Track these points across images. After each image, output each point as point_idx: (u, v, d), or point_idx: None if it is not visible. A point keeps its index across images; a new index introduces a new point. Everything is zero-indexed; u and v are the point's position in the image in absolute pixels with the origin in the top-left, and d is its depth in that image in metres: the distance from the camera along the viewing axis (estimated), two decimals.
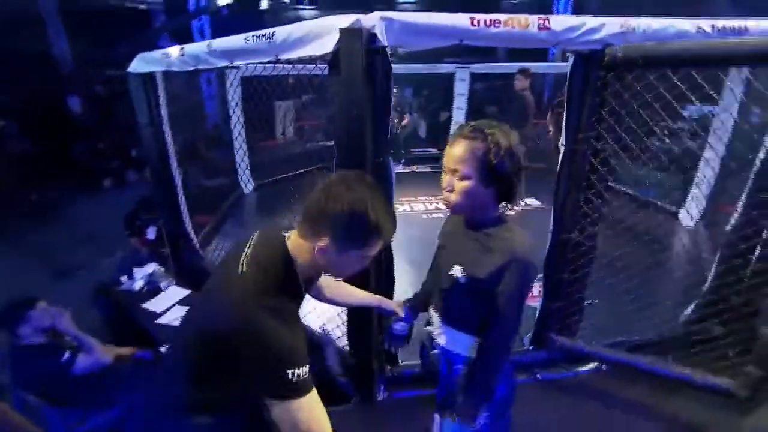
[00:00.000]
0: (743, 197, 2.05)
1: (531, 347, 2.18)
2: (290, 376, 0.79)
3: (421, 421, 1.89)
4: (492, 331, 1.06)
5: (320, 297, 1.27)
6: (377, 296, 1.40)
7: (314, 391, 0.84)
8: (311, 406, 0.83)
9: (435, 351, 1.22)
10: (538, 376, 2.12)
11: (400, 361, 2.07)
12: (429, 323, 1.26)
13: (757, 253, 1.93)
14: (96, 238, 4.65)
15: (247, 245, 0.92)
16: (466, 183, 1.01)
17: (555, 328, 2.13)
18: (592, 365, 2.17)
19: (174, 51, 2.35)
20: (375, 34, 1.40)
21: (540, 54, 7.06)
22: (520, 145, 1.02)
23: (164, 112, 2.81)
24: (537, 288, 2.10)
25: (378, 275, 1.79)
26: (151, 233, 3.43)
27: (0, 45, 5.92)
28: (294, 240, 0.92)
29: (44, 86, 6.58)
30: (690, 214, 3.60)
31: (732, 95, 2.79)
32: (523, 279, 1.01)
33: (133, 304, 2.57)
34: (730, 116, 2.88)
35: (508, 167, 0.98)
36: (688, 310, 2.27)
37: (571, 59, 1.69)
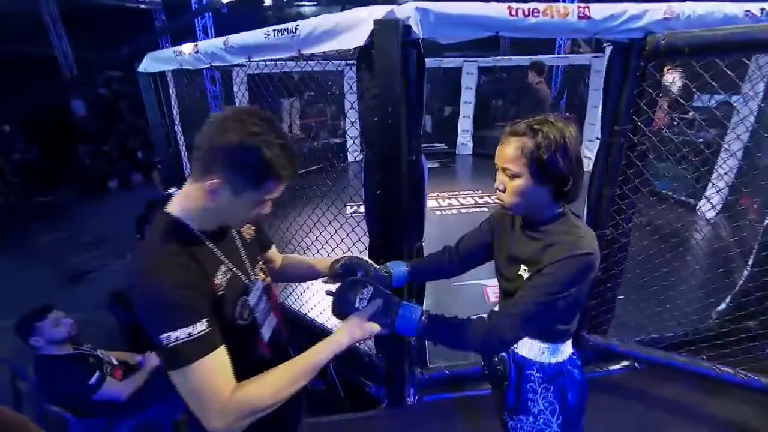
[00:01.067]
0: None
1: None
2: (165, 341, 0.72)
3: (454, 425, 1.85)
4: (503, 311, 0.97)
5: (285, 277, 1.24)
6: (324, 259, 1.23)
7: (206, 357, 0.74)
8: (199, 374, 0.74)
9: (503, 355, 1.16)
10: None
11: (429, 363, 2.02)
12: None
13: None
14: (105, 241, 4.62)
15: None
16: (517, 182, 0.95)
17: (587, 326, 2.06)
18: (625, 363, 2.11)
19: (187, 48, 2.29)
20: (410, 26, 1.33)
21: (547, 46, 6.95)
22: (577, 140, 0.95)
23: (176, 111, 2.75)
24: None
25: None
26: None
27: (1, 49, 5.84)
28: (185, 190, 0.85)
29: (47, 90, 6.51)
30: (711, 205, 3.53)
31: (757, 82, 2.73)
32: (573, 273, 0.90)
33: None
34: (754, 103, 2.81)
35: (561, 164, 0.91)
36: (722, 306, 2.21)
37: (609, 49, 1.61)
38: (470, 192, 4.82)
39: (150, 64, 2.64)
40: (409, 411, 1.92)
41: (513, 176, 0.95)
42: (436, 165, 5.89)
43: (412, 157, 1.52)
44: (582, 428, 1.17)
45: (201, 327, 0.75)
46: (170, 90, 2.71)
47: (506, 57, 6.46)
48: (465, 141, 6.47)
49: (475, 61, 6.00)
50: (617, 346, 2.04)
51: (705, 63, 1.61)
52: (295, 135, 6.16)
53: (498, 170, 1.00)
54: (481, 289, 2.69)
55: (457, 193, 4.77)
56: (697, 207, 3.72)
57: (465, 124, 6.42)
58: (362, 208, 1.70)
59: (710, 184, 3.47)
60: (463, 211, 4.33)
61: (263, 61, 2.20)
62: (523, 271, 1.01)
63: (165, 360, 0.74)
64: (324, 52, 1.58)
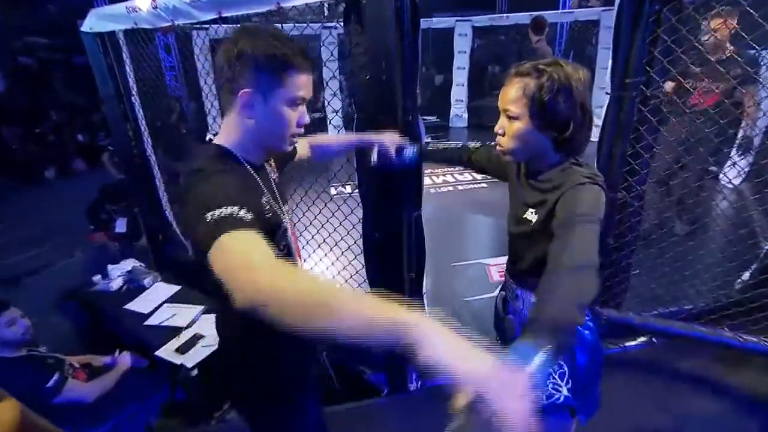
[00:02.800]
0: None
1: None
2: (209, 218, 0.76)
3: None
4: (559, 248, 0.92)
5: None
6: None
7: (244, 231, 0.75)
8: (237, 241, 0.74)
9: (510, 316, 1.25)
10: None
11: None
12: (503, 288, 1.31)
13: None
14: (46, 238, 4.55)
15: None
16: (516, 125, 1.03)
17: (599, 299, 2.20)
18: (642, 339, 2.26)
19: (144, 3, 2.28)
20: None
21: (548, 2, 7.04)
22: (587, 86, 1.01)
23: (132, 80, 2.74)
24: None
25: (409, 251, 1.82)
26: (120, 225, 3.39)
27: None
28: (223, 124, 0.99)
29: None
30: (737, 172, 3.70)
31: None
32: (583, 192, 0.96)
33: (113, 305, 2.55)
34: None
35: (562, 108, 0.98)
36: (746, 275, 2.37)
37: None
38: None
39: (96, 22, 2.58)
40: (412, 398, 2.03)
41: (513, 118, 1.03)
42: (428, 140, 5.96)
43: (408, 117, 1.60)
44: (597, 400, 1.25)
45: (247, 215, 0.78)
46: (123, 55, 2.69)
47: (503, 15, 6.53)
48: (459, 112, 6.57)
49: (469, 20, 6.06)
50: (633, 319, 2.18)
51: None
52: None
53: (500, 114, 1.08)
54: (484, 269, 2.81)
55: (452, 168, 4.88)
56: (721, 174, 3.90)
57: (459, 93, 6.51)
58: (348, 189, 1.77)
59: (734, 149, 3.63)
60: (460, 188, 4.47)
61: (235, 17, 2.22)
62: (530, 214, 1.09)
63: (204, 236, 0.75)
64: (307, 4, 1.62)
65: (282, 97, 0.93)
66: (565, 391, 1.15)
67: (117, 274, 2.72)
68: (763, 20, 1.61)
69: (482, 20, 6.19)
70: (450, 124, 6.64)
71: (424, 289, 1.96)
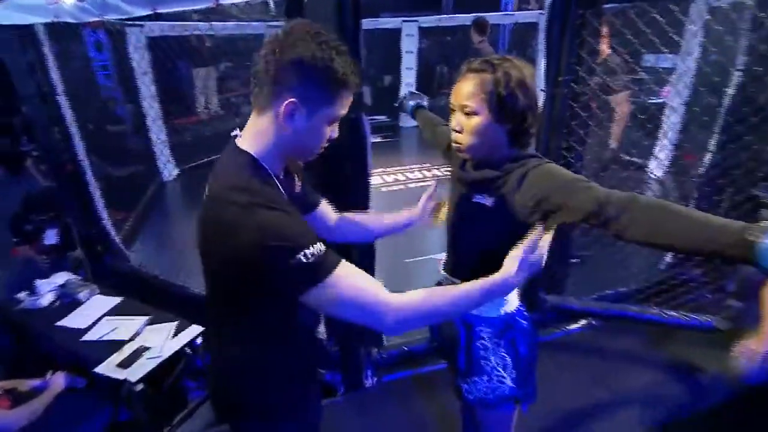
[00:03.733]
0: (711, 144, 2.36)
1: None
2: (303, 259, 0.78)
3: (413, 404, 2.02)
4: (588, 205, 0.90)
5: (336, 233, 1.27)
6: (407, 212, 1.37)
7: (342, 262, 0.84)
8: (346, 276, 0.83)
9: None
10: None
11: (385, 340, 2.16)
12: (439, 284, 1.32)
13: (726, 193, 2.27)
14: None
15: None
16: (475, 120, 1.04)
17: (544, 287, 2.33)
18: (583, 322, 2.42)
19: None
20: None
21: (492, 4, 7.31)
22: (534, 82, 1.06)
23: (56, 77, 2.57)
24: None
25: (356, 252, 1.85)
26: (50, 237, 3.15)
27: None
28: (252, 125, 0.92)
29: None
30: (659, 164, 4.05)
31: (693, 39, 3.19)
32: (555, 168, 1.02)
33: (42, 323, 2.37)
34: (692, 61, 3.28)
35: (521, 101, 1.01)
36: (668, 257, 2.60)
37: None
38: (417, 166, 5.03)
39: (9, 14, 2.35)
40: (368, 394, 2.06)
41: (471, 114, 1.04)
42: (378, 139, 6.04)
43: (351, 114, 1.61)
44: (536, 387, 1.27)
45: (323, 244, 0.82)
46: (45, 50, 2.51)
47: (448, 16, 6.69)
48: None
49: (416, 21, 6.15)
50: (574, 304, 2.34)
51: (647, 21, 1.88)
52: (213, 112, 5.94)
53: (454, 111, 1.09)
54: (436, 263, 2.88)
55: (402, 167, 4.97)
56: (647, 167, 4.24)
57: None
58: None
59: (657, 144, 3.98)
60: (411, 185, 4.56)
61: (167, 14, 2.15)
62: (484, 198, 1.09)
63: (307, 278, 0.80)
64: (247, 1, 1.60)
65: (327, 115, 0.88)
66: (509, 382, 1.18)
67: (47, 289, 2.53)
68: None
69: (429, 21, 6.30)
70: (400, 124, 6.72)
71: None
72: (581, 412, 1.99)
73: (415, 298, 0.87)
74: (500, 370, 1.18)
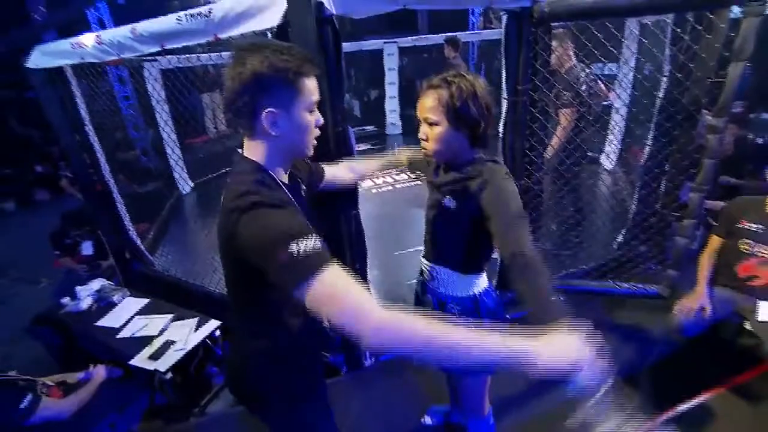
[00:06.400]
0: (648, 139, 2.39)
1: (497, 291, 2.39)
2: (294, 254, 0.73)
3: (407, 380, 2.03)
4: (511, 246, 0.95)
5: (335, 183, 1.34)
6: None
7: (334, 264, 0.76)
8: (335, 277, 0.75)
9: (428, 296, 1.30)
10: (507, 316, 2.34)
11: None
12: (420, 274, 1.35)
13: (663, 183, 2.31)
14: (10, 268, 4.14)
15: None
16: (437, 129, 1.08)
17: None
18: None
19: (88, 39, 2.13)
20: (322, 2, 1.40)
21: (461, 24, 7.32)
22: (487, 91, 1.08)
23: (84, 111, 2.55)
24: None
25: (350, 246, 1.85)
26: (86, 248, 3.15)
27: None
28: (245, 149, 0.92)
29: None
30: (609, 158, 4.08)
31: (629, 51, 3.25)
32: (507, 191, 1.03)
33: (83, 324, 2.37)
34: (629, 70, 3.32)
35: (473, 110, 1.05)
36: (620, 237, 2.63)
37: (504, 17, 1.83)
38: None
39: (41, 58, 2.39)
40: (367, 372, 2.07)
41: (433, 124, 1.09)
42: (368, 147, 6.03)
43: (338, 128, 1.62)
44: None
45: (318, 242, 0.77)
46: (73, 88, 2.50)
47: (423, 36, 6.70)
48: (393, 120, 6.69)
49: (395, 42, 6.16)
50: None
51: (590, 36, 1.91)
52: (221, 131, 5.92)
53: (420, 122, 1.13)
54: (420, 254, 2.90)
55: (390, 170, 4.95)
56: (599, 161, 4.29)
57: (392, 104, 6.62)
58: None
59: (607, 142, 4.02)
60: (398, 186, 4.57)
61: (176, 49, 2.13)
62: (448, 201, 1.14)
63: (297, 273, 0.74)
64: (242, 35, 1.60)
65: (302, 104, 0.87)
66: None
67: (86, 294, 2.53)
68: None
69: (406, 41, 6.32)
70: (387, 132, 6.74)
71: (368, 278, 2.00)
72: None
73: (400, 316, 0.72)
74: None
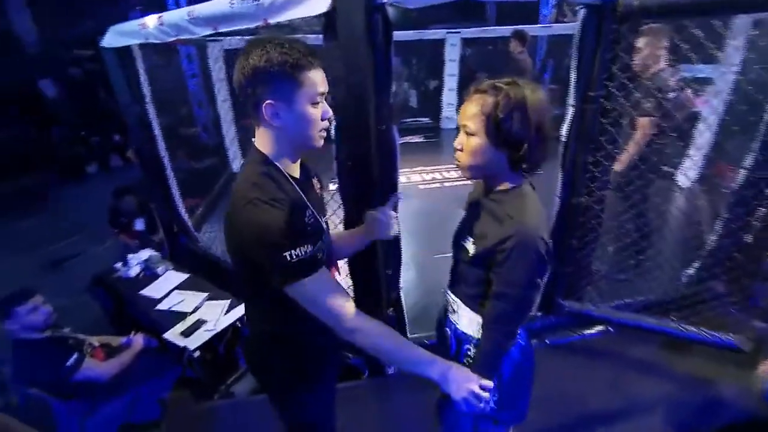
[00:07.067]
0: (746, 159, 1.99)
1: (539, 313, 2.18)
2: (288, 258, 0.82)
3: (430, 394, 1.90)
4: (491, 309, 0.96)
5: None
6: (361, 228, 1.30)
7: (322, 269, 0.89)
8: (321, 282, 0.88)
9: (446, 328, 1.14)
10: (546, 341, 2.13)
11: (408, 333, 2.05)
12: (446, 299, 1.21)
13: (759, 212, 1.92)
14: (83, 226, 4.52)
15: None
16: (473, 141, 0.92)
17: (562, 293, 2.11)
18: (600, 328, 2.18)
19: (151, 21, 2.17)
20: None
21: (531, 16, 6.80)
22: (545, 107, 0.90)
23: (146, 89, 2.64)
24: None
25: (385, 248, 1.74)
26: (139, 224, 3.32)
27: None
28: (256, 134, 0.94)
29: (10, 68, 6.15)
30: (686, 174, 3.58)
31: (734, 54, 2.73)
32: (528, 257, 0.89)
33: (131, 291, 2.50)
34: (731, 75, 2.81)
35: (516, 126, 0.87)
36: (691, 270, 2.27)
37: (582, 11, 1.58)
38: (454, 165, 4.80)
39: (113, 38, 2.50)
40: (389, 380, 1.97)
41: (470, 134, 0.93)
42: (421, 139, 5.84)
43: (381, 126, 1.49)
44: (524, 409, 1.15)
45: (313, 249, 0.86)
46: (138, 66, 2.59)
47: (489, 28, 6.32)
48: (450, 114, 6.40)
49: (458, 33, 5.86)
50: (592, 311, 2.10)
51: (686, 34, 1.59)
52: None
53: (460, 130, 0.97)
54: None
55: (440, 167, 4.75)
56: (674, 177, 3.77)
57: (449, 97, 6.34)
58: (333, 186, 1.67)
59: (686, 156, 3.51)
60: (447, 184, 4.34)
61: (231, 32, 2.11)
62: (469, 243, 1.00)
63: (287, 275, 0.85)
64: (290, 21, 1.51)
65: (304, 97, 0.87)
66: (491, 403, 1.02)
67: (135, 262, 2.66)
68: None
69: (470, 32, 5.99)
70: (441, 126, 6.48)
71: (400, 284, 1.88)
72: (594, 415, 1.80)
73: (371, 322, 0.93)
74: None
